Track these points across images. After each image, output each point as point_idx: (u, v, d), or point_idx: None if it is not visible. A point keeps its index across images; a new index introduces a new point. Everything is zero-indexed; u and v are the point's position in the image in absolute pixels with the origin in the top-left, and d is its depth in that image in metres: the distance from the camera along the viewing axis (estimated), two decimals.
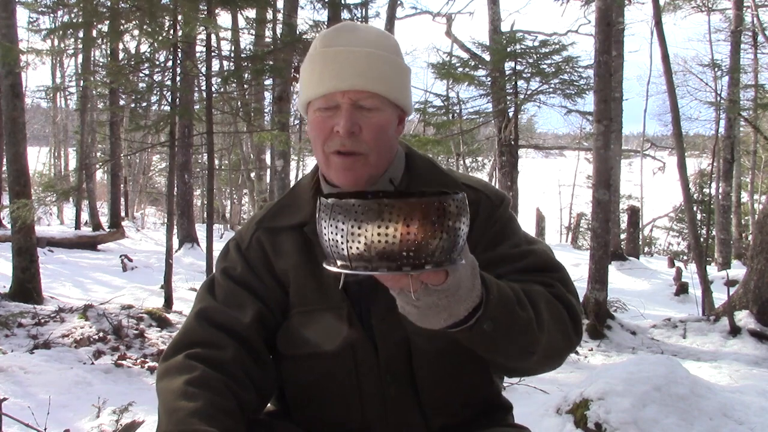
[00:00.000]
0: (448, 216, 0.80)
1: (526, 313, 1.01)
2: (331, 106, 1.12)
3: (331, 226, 0.81)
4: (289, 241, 1.20)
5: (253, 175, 16.37)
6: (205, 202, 11.03)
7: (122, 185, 17.59)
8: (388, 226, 0.78)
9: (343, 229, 0.80)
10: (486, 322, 0.94)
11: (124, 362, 4.75)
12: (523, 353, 1.05)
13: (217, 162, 20.78)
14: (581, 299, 7.30)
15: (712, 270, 10.57)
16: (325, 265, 0.86)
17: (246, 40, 11.78)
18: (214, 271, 1.27)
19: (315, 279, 1.16)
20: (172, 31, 6.09)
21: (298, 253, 1.19)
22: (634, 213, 14.34)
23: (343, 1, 8.95)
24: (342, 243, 0.80)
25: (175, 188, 7.44)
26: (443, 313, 0.90)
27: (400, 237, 0.78)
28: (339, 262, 0.83)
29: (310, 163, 24.03)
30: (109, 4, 6.11)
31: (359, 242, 0.79)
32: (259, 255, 1.22)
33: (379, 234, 0.78)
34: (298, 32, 7.67)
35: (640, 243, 16.76)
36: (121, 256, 10.70)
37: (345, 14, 9.18)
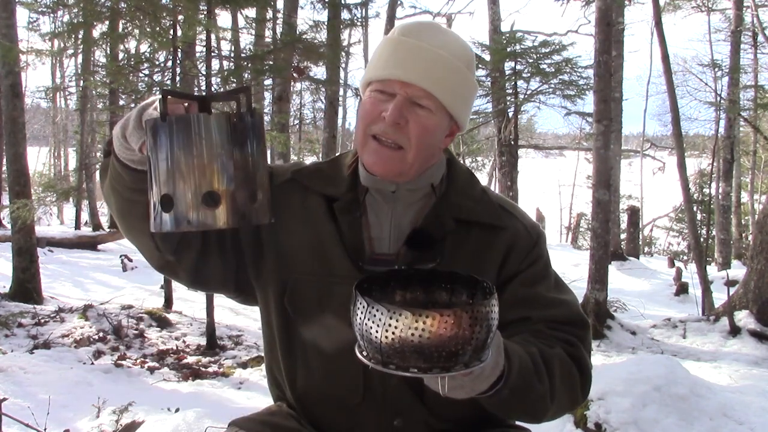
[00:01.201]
0: (479, 322, 0.85)
1: (543, 385, 1.06)
2: (387, 91, 1.11)
3: (365, 323, 0.86)
4: (321, 207, 1.20)
5: None
6: None
7: None
8: (421, 334, 0.82)
9: (377, 330, 0.84)
10: (505, 390, 1.00)
11: (124, 362, 4.75)
12: (531, 419, 1.12)
13: None
14: (581, 299, 7.21)
15: (712, 270, 10.56)
16: (357, 352, 0.91)
17: (246, 39, 11.78)
18: None
19: (340, 250, 1.16)
20: (172, 32, 6.09)
21: (327, 222, 1.19)
22: (634, 213, 14.34)
23: (343, 1, 8.94)
24: (375, 340, 0.85)
25: None
26: (466, 389, 0.95)
27: (433, 344, 0.83)
28: (371, 353, 0.88)
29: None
30: (109, 4, 6.11)
31: (393, 344, 0.84)
32: (282, 200, 1.21)
33: (412, 339, 0.83)
34: (298, 32, 7.66)
35: (640, 243, 16.76)
36: (121, 256, 10.70)
37: (345, 14, 9.18)
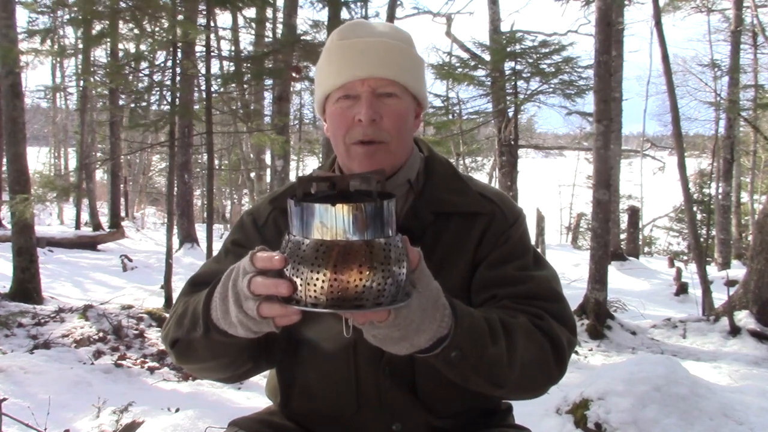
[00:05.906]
0: (377, 260, 0.80)
1: (498, 347, 1.00)
2: (350, 95, 1.12)
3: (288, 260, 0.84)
4: None
5: (253, 175, 16.36)
6: (205, 202, 11.02)
7: (122, 185, 17.60)
8: (319, 269, 0.79)
9: (296, 268, 0.81)
10: (453, 351, 0.95)
11: (124, 362, 4.75)
12: (491, 386, 1.04)
13: (216, 162, 20.76)
14: (581, 299, 7.10)
15: (712, 270, 10.56)
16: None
17: (246, 39, 11.79)
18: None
19: None
20: (171, 31, 6.09)
21: None
22: (634, 213, 14.35)
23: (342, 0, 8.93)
24: (294, 279, 0.82)
25: (175, 188, 7.44)
26: (403, 343, 0.90)
27: (329, 277, 0.79)
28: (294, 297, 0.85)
29: (310, 163, 23.94)
30: (108, 3, 6.11)
31: (299, 278, 0.81)
32: (275, 235, 1.19)
33: (311, 273, 0.79)
34: (297, 32, 7.66)
35: (640, 243, 16.76)
36: (121, 256, 10.71)
37: (345, 13, 9.17)
